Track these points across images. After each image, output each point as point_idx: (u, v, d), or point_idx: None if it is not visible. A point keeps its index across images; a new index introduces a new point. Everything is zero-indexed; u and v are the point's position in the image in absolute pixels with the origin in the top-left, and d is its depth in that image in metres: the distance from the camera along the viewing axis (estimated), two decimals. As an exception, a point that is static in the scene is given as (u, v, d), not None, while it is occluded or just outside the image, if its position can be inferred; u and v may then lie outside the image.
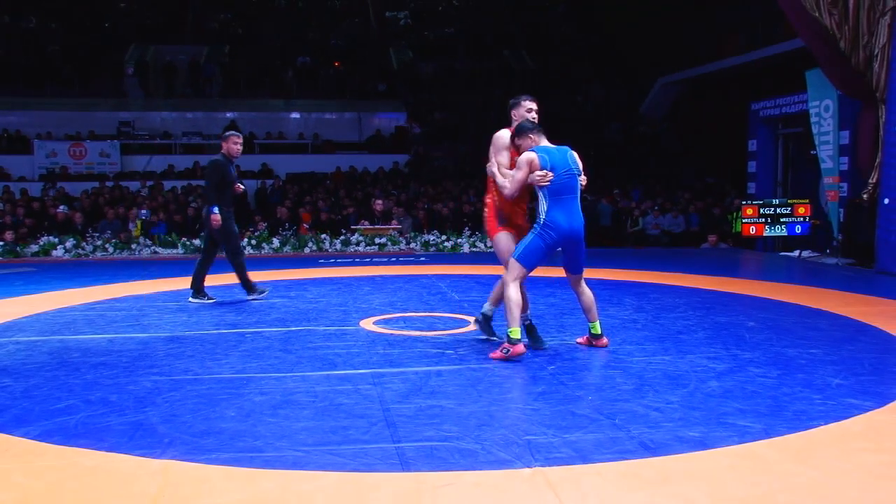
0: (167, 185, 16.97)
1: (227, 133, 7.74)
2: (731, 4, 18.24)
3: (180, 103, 21.30)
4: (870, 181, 10.25)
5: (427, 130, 21.06)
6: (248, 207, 16.11)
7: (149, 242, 13.01)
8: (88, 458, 3.26)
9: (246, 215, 14.97)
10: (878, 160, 9.99)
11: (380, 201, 14.42)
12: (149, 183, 16.94)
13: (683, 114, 20.77)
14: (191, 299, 7.66)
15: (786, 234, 11.95)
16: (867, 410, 3.85)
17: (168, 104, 21.21)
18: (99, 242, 12.79)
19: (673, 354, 5.14)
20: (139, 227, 13.71)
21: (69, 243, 12.63)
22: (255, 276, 9.78)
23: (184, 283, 9.17)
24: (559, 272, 5.50)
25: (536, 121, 5.19)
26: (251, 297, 7.77)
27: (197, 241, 12.97)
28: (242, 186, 7.88)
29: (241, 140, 7.64)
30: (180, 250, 12.84)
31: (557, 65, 23.40)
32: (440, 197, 16.47)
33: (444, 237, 13.46)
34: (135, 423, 3.72)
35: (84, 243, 12.76)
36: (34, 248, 12.59)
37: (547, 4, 25.78)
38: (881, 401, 4.01)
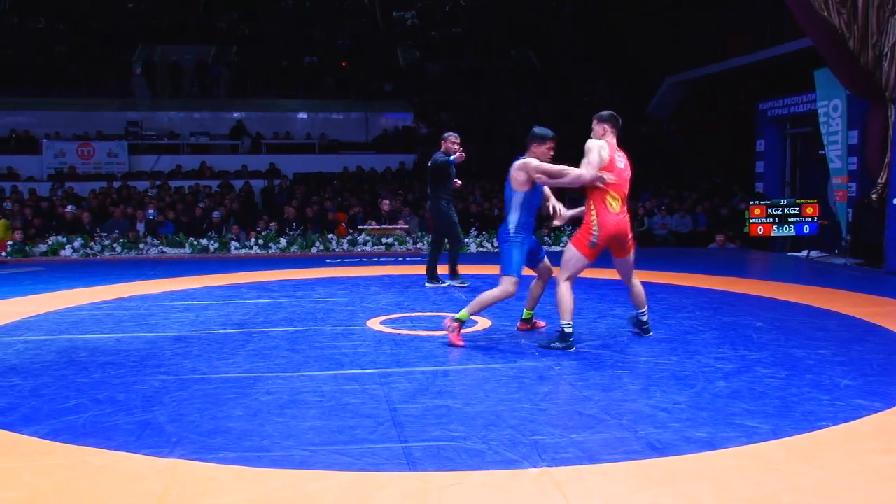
0: (175, 184, 17.01)
1: (447, 133, 8.38)
2: (739, 4, 18.18)
3: (188, 103, 21.34)
4: (879, 181, 10.21)
5: (434, 130, 21.05)
6: (256, 207, 16.14)
7: (156, 242, 13.04)
8: (96, 457, 3.28)
9: (253, 215, 15.02)
10: (887, 160, 9.94)
11: (387, 201, 14.42)
12: (157, 183, 16.99)
13: (690, 113, 20.71)
14: (427, 284, 8.53)
15: (794, 235, 11.91)
16: (876, 411, 3.84)
17: (175, 104, 21.25)
18: (107, 242, 12.82)
19: (680, 355, 5.13)
20: (1, 226, 13.33)
21: (77, 243, 12.67)
22: (263, 275, 9.83)
23: (191, 282, 9.22)
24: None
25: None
26: (451, 283, 8.50)
27: (204, 241, 12.99)
28: (460, 182, 8.54)
29: (458, 140, 8.26)
30: (188, 250, 12.87)
31: (564, 65, 23.36)
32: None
33: (450, 237, 13.44)
34: (142, 423, 3.73)
35: (92, 243, 12.80)
36: (42, 247, 12.64)
37: (554, 4, 25.74)
38: (890, 401, 3.99)
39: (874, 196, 10.28)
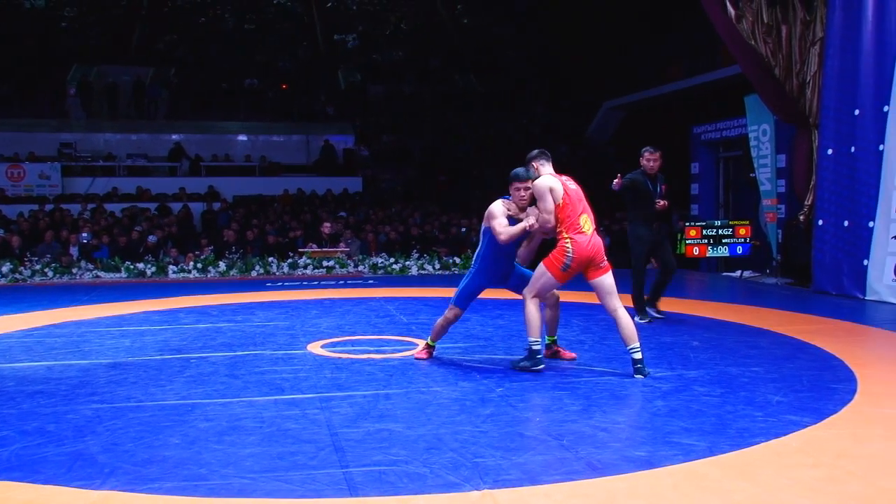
0: (111, 207, 16.62)
1: (643, 150, 7.51)
2: (675, 32, 18.76)
3: (124, 125, 20.93)
4: (805, 203, 10.58)
5: (375, 153, 21.10)
6: (195, 231, 15.88)
7: (90, 266, 12.69)
8: (22, 492, 3.15)
9: (192, 238, 14.76)
10: (812, 182, 10.33)
11: (328, 224, 14.34)
12: (91, 205, 16.56)
13: (628, 137, 21.18)
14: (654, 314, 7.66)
15: (728, 255, 12.25)
16: (806, 426, 3.96)
17: (112, 126, 20.81)
18: (38, 266, 12.42)
19: (620, 375, 5.21)
20: None
21: (5, 268, 12.24)
22: (201, 299, 9.65)
23: (127, 307, 8.98)
24: (512, 294, 5.57)
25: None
26: (639, 320, 7.29)
27: (140, 265, 12.69)
28: (663, 202, 7.47)
29: (654, 156, 7.39)
30: (124, 274, 12.56)
31: (505, 89, 23.68)
32: (388, 220, 16.47)
33: (392, 260, 13.45)
34: (73, 454, 3.61)
35: (22, 267, 12.39)
36: (-31, 273, 12.17)
37: (495, 29, 26.14)
38: (818, 416, 4.13)
39: (801, 217, 10.64)
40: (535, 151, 5.39)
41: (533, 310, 5.19)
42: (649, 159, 7.41)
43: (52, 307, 9.09)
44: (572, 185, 5.29)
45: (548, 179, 5.19)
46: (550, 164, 5.37)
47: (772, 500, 3.01)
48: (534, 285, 5.23)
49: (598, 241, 5.23)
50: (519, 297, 5.56)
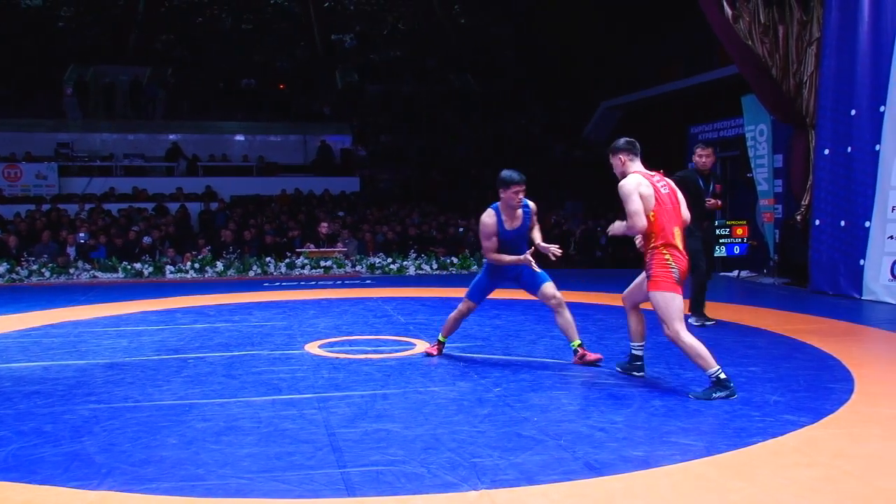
0: (108, 207, 16.60)
1: (695, 146, 7.39)
2: (672, 32, 18.78)
3: (122, 125, 20.90)
4: (802, 203, 10.58)
5: (372, 153, 21.11)
6: (192, 231, 15.86)
7: (88, 266, 12.67)
8: (19, 493, 3.15)
9: (190, 238, 14.74)
10: (809, 183, 10.34)
11: (325, 224, 14.33)
12: (88, 206, 16.54)
13: (625, 136, 21.21)
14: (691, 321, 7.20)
15: (725, 255, 12.25)
16: (803, 426, 3.96)
17: (109, 126, 20.78)
18: (35, 267, 12.40)
19: (617, 374, 5.21)
20: None
21: (2, 268, 12.22)
22: (199, 300, 9.64)
23: (124, 307, 8.97)
24: (508, 294, 5.57)
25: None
26: (695, 323, 7.16)
27: (137, 265, 12.67)
28: (714, 201, 7.20)
29: (706, 152, 7.21)
30: (121, 274, 12.54)
31: (503, 88, 23.70)
32: (386, 220, 16.47)
33: (389, 260, 13.44)
34: (70, 454, 3.61)
35: (19, 268, 12.36)
36: (-35, 273, 12.15)
37: (493, 29, 26.16)
38: (815, 416, 4.13)
39: (798, 217, 10.65)
40: (622, 141, 4.90)
41: (689, 340, 4.57)
42: (701, 155, 7.23)
43: (49, 307, 9.08)
44: (665, 188, 4.73)
45: (636, 180, 4.66)
46: (639, 160, 4.87)
47: (769, 500, 3.01)
48: (665, 318, 4.62)
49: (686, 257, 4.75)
50: (534, 297, 5.65)
